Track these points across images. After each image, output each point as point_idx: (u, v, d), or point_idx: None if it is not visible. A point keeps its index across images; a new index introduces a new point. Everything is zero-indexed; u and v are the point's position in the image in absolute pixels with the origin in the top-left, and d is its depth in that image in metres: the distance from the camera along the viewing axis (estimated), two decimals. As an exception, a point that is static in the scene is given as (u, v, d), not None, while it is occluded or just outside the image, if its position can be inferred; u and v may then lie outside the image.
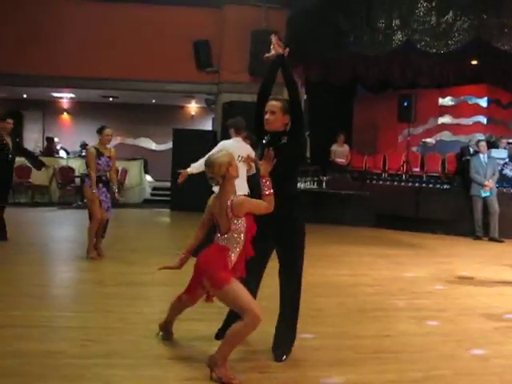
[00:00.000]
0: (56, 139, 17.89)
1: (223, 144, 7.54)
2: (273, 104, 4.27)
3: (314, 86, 15.42)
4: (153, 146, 20.31)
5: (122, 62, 15.27)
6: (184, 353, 4.34)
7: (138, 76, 15.36)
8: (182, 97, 18.37)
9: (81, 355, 4.20)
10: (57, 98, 19.93)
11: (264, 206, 3.94)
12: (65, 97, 19.97)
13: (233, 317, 4.04)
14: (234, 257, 3.94)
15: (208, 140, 13.47)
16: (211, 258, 3.92)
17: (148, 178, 17.37)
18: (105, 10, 15.56)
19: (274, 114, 4.24)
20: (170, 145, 16.76)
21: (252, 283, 4.16)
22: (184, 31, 15.34)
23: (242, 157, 7.70)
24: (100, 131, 8.10)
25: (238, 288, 3.82)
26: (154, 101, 19.35)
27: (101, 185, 7.95)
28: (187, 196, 8.46)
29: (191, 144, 12.54)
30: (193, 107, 20.65)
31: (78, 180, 15.73)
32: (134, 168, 16.75)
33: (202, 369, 3.89)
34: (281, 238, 4.30)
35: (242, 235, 3.93)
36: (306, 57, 13.84)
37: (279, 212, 4.02)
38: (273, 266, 4.42)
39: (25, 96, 19.27)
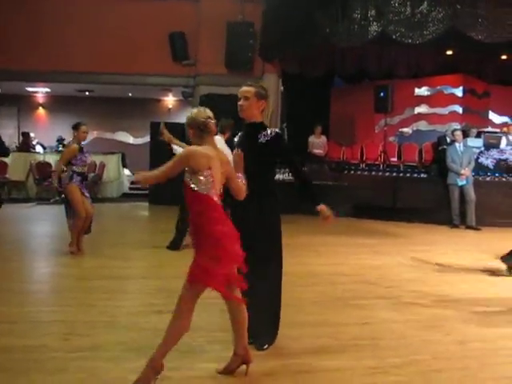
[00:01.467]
0: (32, 134, 17.72)
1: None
2: (246, 90, 4.14)
3: (291, 78, 15.47)
4: (130, 139, 20.21)
5: (97, 55, 15.17)
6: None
7: (114, 69, 15.27)
8: (158, 90, 18.30)
9: (64, 349, 4.21)
10: (32, 92, 19.72)
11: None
12: (40, 91, 19.76)
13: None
14: None
15: (186, 133, 13.42)
16: None
17: (126, 171, 17.30)
18: (80, 3, 15.44)
19: (248, 99, 4.11)
20: (147, 138, 16.71)
21: None
22: (160, 24, 15.29)
23: None
24: (76, 127, 8.01)
25: None
26: (130, 94, 19.24)
27: (79, 178, 7.89)
28: (165, 190, 8.45)
29: (168, 137, 12.53)
30: (170, 100, 20.57)
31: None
32: (112, 162, 16.66)
33: (186, 359, 3.93)
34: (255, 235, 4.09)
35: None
36: (282, 49, 13.89)
37: (250, 211, 4.03)
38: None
39: (-1, 91, 19.07)
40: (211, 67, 15.32)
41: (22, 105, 19.72)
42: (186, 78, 16.07)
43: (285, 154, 4.25)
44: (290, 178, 12.91)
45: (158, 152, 10.42)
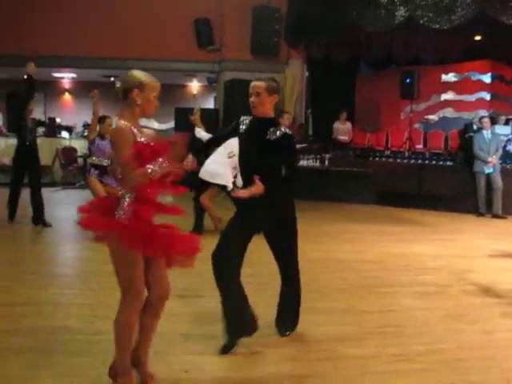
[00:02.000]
0: (58, 119, 17.85)
1: (230, 142, 7.76)
2: (256, 85, 3.90)
3: (316, 64, 15.37)
4: (155, 125, 20.24)
5: (123, 40, 15.17)
6: (189, 329, 4.38)
7: (140, 55, 15.23)
8: (183, 76, 18.27)
9: (87, 331, 4.25)
10: (58, 78, 19.84)
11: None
12: (66, 77, 19.88)
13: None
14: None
15: (210, 119, 13.42)
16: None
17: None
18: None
19: (259, 95, 3.88)
20: (172, 124, 16.73)
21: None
22: (185, 10, 15.24)
23: (233, 153, 7.94)
24: (102, 120, 8.19)
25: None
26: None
27: (97, 171, 7.96)
28: (190, 174, 8.41)
29: (192, 123, 12.47)
30: (194, 86, 20.55)
31: (80, 160, 15.75)
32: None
33: (208, 343, 3.94)
34: (270, 236, 4.26)
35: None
36: (308, 34, 13.78)
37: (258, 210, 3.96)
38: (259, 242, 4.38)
39: (26, 77, 19.15)
40: (236, 53, 15.26)
41: (49, 90, 19.84)
42: (210, 64, 16.03)
43: (286, 154, 4.00)
44: (314, 164, 12.97)
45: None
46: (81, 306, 4.89)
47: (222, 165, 8.02)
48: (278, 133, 3.90)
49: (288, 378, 3.60)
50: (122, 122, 3.15)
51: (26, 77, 8.72)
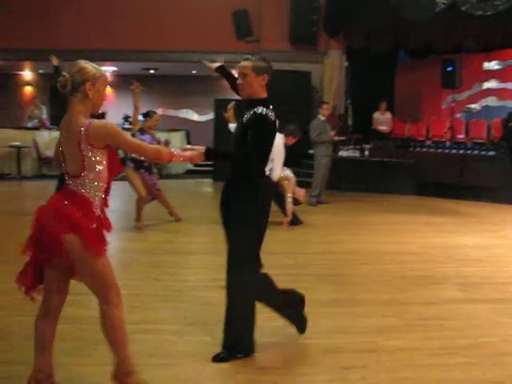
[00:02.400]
0: (100, 112, 18.11)
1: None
2: (242, 65, 3.62)
3: (355, 53, 15.20)
4: (194, 116, 20.35)
5: (162, 33, 15.27)
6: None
7: (179, 47, 15.34)
8: (222, 67, 18.32)
9: (129, 321, 4.26)
10: (99, 71, 20.12)
11: (149, 148, 3.26)
12: (107, 70, 20.11)
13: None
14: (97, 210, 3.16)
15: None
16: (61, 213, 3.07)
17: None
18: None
19: (246, 76, 3.59)
20: (211, 115, 16.79)
21: None
22: (223, 1, 15.25)
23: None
24: (148, 115, 8.27)
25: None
26: (194, 72, 19.32)
27: (133, 165, 8.02)
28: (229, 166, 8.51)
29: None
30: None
31: (120, 152, 15.89)
32: (177, 139, 16.81)
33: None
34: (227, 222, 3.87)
35: (101, 181, 3.11)
36: (347, 23, 13.64)
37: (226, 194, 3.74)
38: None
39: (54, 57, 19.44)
40: (275, 43, 15.19)
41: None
42: (249, 55, 15.99)
43: (253, 138, 3.54)
44: (354, 155, 12.86)
45: (222, 129, 10.45)
46: (123, 296, 4.92)
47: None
48: (251, 112, 3.57)
49: (330, 369, 3.59)
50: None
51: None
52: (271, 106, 3.62)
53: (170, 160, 3.21)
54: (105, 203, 3.23)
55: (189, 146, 3.46)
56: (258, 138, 3.54)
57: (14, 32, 15.22)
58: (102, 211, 3.23)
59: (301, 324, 3.96)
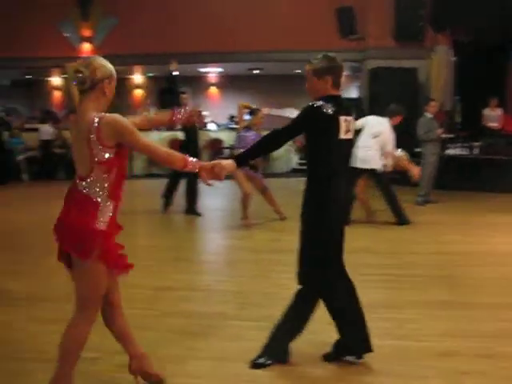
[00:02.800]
0: (205, 113, 18.54)
1: (370, 122, 8.26)
2: (305, 69, 3.56)
3: (463, 48, 14.68)
4: (295, 114, 20.45)
5: (265, 33, 15.43)
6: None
7: (283, 47, 15.45)
8: (326, 66, 18.27)
9: (240, 317, 4.41)
10: (205, 73, 20.58)
11: (164, 152, 2.97)
12: (212, 71, 20.57)
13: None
14: (105, 216, 2.92)
15: (354, 108, 13.30)
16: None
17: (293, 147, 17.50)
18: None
19: (308, 81, 3.55)
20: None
21: None
22: (327, -1, 15.22)
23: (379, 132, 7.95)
24: (254, 113, 8.42)
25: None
26: (298, 71, 19.37)
27: (247, 168, 8.14)
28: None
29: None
30: (337, 75, 20.47)
31: (226, 151, 16.30)
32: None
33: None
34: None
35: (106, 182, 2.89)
36: (455, 17, 13.21)
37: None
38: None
39: (175, 73, 20.07)
40: (380, 40, 14.96)
41: (196, 84, 20.65)
42: (353, 53, 15.84)
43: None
44: (463, 153, 12.43)
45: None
46: (233, 293, 5.07)
47: (369, 148, 8.06)
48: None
49: (446, 373, 3.50)
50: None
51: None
52: (334, 102, 3.44)
53: (184, 167, 3.02)
54: (115, 209, 2.99)
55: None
56: (293, 120, 3.51)
57: (126, 38, 15.95)
58: (112, 217, 2.97)
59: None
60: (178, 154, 3.03)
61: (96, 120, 2.80)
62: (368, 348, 3.60)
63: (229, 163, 3.35)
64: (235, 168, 3.39)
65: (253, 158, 3.70)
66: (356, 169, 7.92)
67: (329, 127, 3.42)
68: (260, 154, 3.75)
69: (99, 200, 2.87)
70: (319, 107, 3.39)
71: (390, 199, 8.36)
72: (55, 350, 3.03)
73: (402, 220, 8.30)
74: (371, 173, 8.20)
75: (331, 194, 3.47)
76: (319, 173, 3.50)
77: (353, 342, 3.65)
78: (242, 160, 3.52)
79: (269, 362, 3.61)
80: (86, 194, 2.86)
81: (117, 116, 2.86)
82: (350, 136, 3.53)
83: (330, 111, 3.39)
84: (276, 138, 3.55)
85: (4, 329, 4.24)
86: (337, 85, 3.51)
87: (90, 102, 2.90)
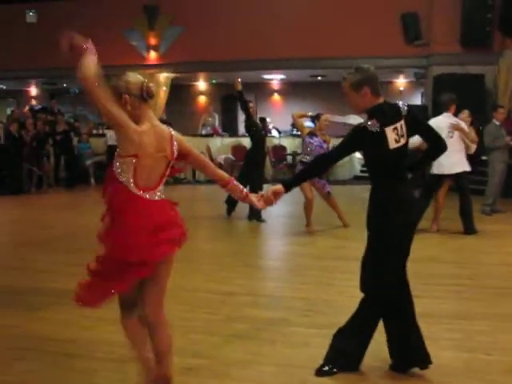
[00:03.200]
0: (268, 119, 18.63)
1: (440, 123, 7.91)
2: (342, 86, 3.58)
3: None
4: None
5: (329, 40, 15.41)
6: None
7: (347, 53, 15.38)
8: (390, 72, 18.03)
9: (305, 324, 4.42)
10: (268, 79, 20.70)
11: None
12: (275, 78, 20.66)
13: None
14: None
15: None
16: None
17: (357, 154, 17.37)
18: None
19: (347, 96, 3.56)
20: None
21: None
22: (392, 5, 15.05)
23: (452, 132, 7.82)
24: (317, 118, 8.52)
25: None
26: (361, 77, 19.31)
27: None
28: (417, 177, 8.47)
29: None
30: (401, 82, 20.18)
31: (289, 158, 16.34)
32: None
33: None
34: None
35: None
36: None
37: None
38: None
39: (239, 80, 20.28)
40: (445, 46, 14.69)
41: (259, 91, 20.78)
42: (418, 59, 15.64)
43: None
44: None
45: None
46: (297, 300, 5.07)
47: (450, 152, 7.94)
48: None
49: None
50: None
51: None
52: (379, 115, 3.42)
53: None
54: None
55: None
56: (341, 143, 3.53)
57: (190, 46, 16.25)
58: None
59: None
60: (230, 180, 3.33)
61: (172, 134, 3.01)
62: (429, 359, 3.55)
63: (278, 189, 3.48)
64: (284, 193, 3.49)
65: (302, 181, 3.90)
66: (440, 176, 7.93)
67: (377, 142, 3.41)
68: (310, 177, 3.92)
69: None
70: (365, 128, 3.40)
71: (467, 206, 8.19)
72: (110, 350, 3.05)
73: (469, 229, 8.14)
74: (455, 177, 8.10)
75: (393, 201, 3.46)
76: (379, 181, 3.55)
77: (415, 353, 3.59)
78: (291, 185, 3.60)
79: (334, 370, 3.60)
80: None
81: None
82: (402, 142, 3.48)
83: (375, 128, 3.38)
84: (325, 163, 3.72)
85: (74, 328, 4.38)
86: (376, 93, 3.51)
87: (150, 112, 3.01)
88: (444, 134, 7.92)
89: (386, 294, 3.56)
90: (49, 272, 6.12)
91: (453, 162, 7.88)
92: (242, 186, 3.40)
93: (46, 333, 4.30)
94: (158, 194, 3.03)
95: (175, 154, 3.03)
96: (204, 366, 3.71)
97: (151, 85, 3.00)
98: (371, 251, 3.60)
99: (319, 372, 3.60)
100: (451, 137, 7.93)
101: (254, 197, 3.42)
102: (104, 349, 3.97)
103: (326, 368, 3.62)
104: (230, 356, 3.84)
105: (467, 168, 8.12)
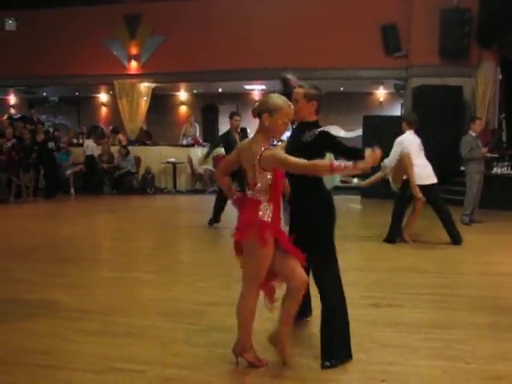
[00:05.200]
0: (248, 130, 18.66)
1: (401, 139, 8.19)
2: (296, 92, 4.07)
3: (510, 64, 14.51)
4: (341, 133, 20.38)
5: (310, 51, 15.51)
6: (386, 339, 4.36)
7: (327, 65, 15.51)
8: (370, 83, 18.21)
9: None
10: (249, 90, 20.76)
11: (310, 164, 3.51)
12: (256, 89, 20.73)
13: None
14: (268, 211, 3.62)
15: (397, 126, 13.22)
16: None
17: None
18: (291, 2, 15.97)
19: (298, 102, 4.01)
20: (359, 132, 16.72)
21: None
22: (372, 16, 15.21)
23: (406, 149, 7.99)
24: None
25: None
26: (341, 88, 19.41)
27: None
28: (378, 183, 8.55)
29: (380, 130, 12.36)
30: (381, 93, 20.39)
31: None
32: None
33: (405, 354, 3.90)
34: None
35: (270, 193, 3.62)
36: (502, 33, 13.06)
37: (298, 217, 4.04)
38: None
39: (220, 90, 20.35)
40: (424, 58, 14.88)
41: (241, 102, 20.85)
42: (397, 71, 15.80)
43: (333, 148, 4.08)
44: (510, 172, 12.19)
45: (371, 145, 10.46)
46: (277, 309, 5.05)
47: (421, 166, 8.13)
48: (312, 135, 3.94)
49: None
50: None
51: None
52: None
53: (331, 171, 3.49)
54: (277, 210, 3.65)
55: None
56: (338, 143, 4.05)
57: (172, 56, 16.28)
58: (274, 215, 3.62)
59: None
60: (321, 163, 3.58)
61: (259, 153, 3.52)
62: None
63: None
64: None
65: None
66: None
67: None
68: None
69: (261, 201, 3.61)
70: (330, 132, 4.08)
71: (446, 216, 8.29)
72: (92, 360, 3.05)
73: (455, 239, 8.26)
74: (425, 190, 8.13)
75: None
76: (313, 187, 4.10)
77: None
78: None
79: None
80: (252, 197, 3.64)
81: (273, 151, 3.54)
82: None
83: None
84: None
85: (53, 339, 4.34)
86: (318, 111, 4.12)
87: (258, 131, 3.65)
88: (418, 148, 8.16)
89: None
90: (27, 282, 6.06)
91: (423, 175, 8.07)
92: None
93: (23, 345, 4.24)
94: None
95: None
96: (185, 377, 3.70)
97: None
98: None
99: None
100: (421, 150, 8.22)
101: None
102: (84, 360, 3.93)
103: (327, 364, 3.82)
104: (212, 366, 3.83)
105: (434, 180, 8.25)
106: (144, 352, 4.07)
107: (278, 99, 3.59)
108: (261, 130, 3.61)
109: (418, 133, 8.44)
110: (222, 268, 6.80)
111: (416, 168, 8.01)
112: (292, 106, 3.65)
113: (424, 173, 8.12)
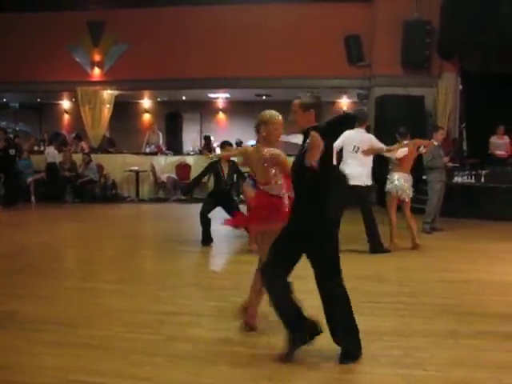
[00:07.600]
0: (212, 138, 18.64)
1: (344, 134, 7.86)
2: (293, 103, 4.16)
3: (471, 76, 14.81)
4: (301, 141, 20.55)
5: (274, 60, 15.61)
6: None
7: (291, 73, 15.60)
8: (333, 92, 18.36)
9: (247, 344, 4.39)
10: (213, 98, 20.75)
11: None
12: (220, 97, 20.73)
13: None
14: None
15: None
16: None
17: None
18: (254, 12, 16.05)
19: (295, 113, 4.12)
20: (322, 140, 16.81)
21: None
22: (335, 27, 15.38)
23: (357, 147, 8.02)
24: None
25: None
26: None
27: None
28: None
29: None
30: (344, 102, 20.56)
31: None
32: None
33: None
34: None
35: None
36: (462, 45, 13.32)
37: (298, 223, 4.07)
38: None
39: (184, 98, 20.28)
40: (387, 68, 15.11)
41: (204, 110, 20.83)
42: (361, 80, 15.99)
43: (328, 133, 4.10)
44: (470, 181, 12.41)
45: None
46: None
47: (354, 166, 8.18)
48: (310, 137, 3.91)
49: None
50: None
51: None
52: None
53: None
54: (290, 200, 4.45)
55: None
56: (329, 128, 4.25)
57: (135, 64, 16.19)
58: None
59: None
60: None
61: (265, 152, 4.53)
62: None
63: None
64: None
65: None
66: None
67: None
68: None
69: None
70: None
71: (368, 222, 8.29)
72: (50, 374, 2.98)
73: (372, 248, 8.25)
74: (355, 192, 8.15)
75: None
76: (315, 195, 4.10)
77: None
78: None
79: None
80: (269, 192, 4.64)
81: (278, 152, 4.58)
82: None
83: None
84: None
85: (10, 353, 4.23)
86: (316, 118, 4.15)
87: (260, 138, 4.64)
88: (350, 148, 8.14)
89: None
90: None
91: (354, 174, 8.07)
92: None
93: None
94: None
95: None
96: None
97: None
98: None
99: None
100: (356, 151, 8.15)
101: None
102: (42, 373, 3.83)
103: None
104: (172, 377, 3.78)
105: (368, 182, 8.31)
106: (103, 363, 3.99)
107: (269, 112, 4.56)
108: (261, 138, 4.55)
109: (368, 130, 8.42)
110: (183, 277, 6.78)
111: (348, 167, 8.06)
112: (280, 117, 4.53)
113: (355, 172, 8.07)
